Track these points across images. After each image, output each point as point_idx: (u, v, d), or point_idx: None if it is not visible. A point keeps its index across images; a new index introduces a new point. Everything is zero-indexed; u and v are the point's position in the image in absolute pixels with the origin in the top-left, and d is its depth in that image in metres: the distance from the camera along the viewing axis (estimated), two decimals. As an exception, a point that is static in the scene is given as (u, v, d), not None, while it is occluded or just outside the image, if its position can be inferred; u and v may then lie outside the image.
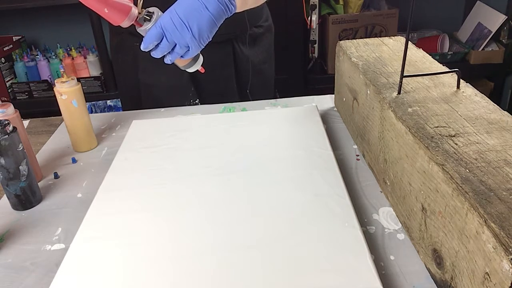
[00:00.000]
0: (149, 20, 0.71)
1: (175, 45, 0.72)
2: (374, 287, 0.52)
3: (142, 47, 0.73)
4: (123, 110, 1.16)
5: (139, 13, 0.71)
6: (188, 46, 0.72)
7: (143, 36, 0.72)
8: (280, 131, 0.88)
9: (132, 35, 1.04)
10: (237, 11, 0.76)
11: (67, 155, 0.90)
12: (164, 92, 1.08)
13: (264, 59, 1.14)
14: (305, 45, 2.14)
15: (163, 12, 0.71)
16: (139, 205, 0.70)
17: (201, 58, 0.79)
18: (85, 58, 2.15)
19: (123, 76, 1.19)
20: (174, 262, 0.58)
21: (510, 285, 0.39)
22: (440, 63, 0.78)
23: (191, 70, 0.80)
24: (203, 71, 0.79)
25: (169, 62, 0.75)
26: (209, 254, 0.59)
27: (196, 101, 1.08)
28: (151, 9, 0.71)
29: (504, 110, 0.62)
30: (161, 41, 0.71)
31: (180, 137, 0.88)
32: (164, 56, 0.74)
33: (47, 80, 2.14)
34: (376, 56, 0.84)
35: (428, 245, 0.56)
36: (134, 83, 1.11)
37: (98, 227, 0.66)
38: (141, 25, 0.71)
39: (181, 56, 0.74)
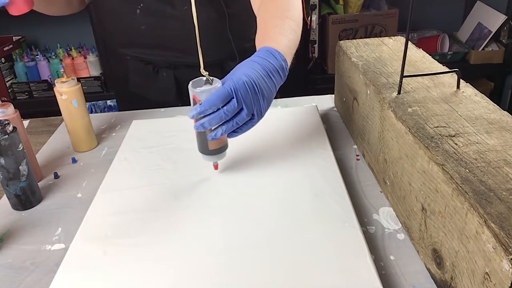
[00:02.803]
0: (210, 83, 0.66)
1: (239, 112, 0.65)
2: (374, 287, 0.52)
3: (195, 112, 0.63)
4: (119, 110, 1.16)
5: (203, 74, 0.66)
6: (253, 115, 0.66)
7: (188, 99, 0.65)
8: (280, 131, 0.88)
9: (123, 47, 1.04)
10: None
11: (67, 155, 0.90)
12: (153, 106, 1.07)
13: None
14: (305, 45, 2.14)
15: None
16: (139, 205, 0.70)
17: (225, 153, 0.73)
18: (85, 58, 2.15)
19: (116, 82, 1.19)
20: (174, 262, 0.58)
21: (510, 285, 0.39)
22: (440, 63, 0.78)
23: (214, 158, 0.72)
24: (216, 168, 0.74)
25: (219, 135, 0.66)
26: (208, 254, 0.59)
27: None
28: (211, 78, 0.67)
29: (504, 110, 0.62)
30: (223, 106, 0.64)
31: (180, 137, 0.88)
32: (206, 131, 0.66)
33: (47, 80, 2.14)
34: (376, 56, 0.84)
35: (428, 245, 0.56)
36: (125, 90, 1.11)
37: (98, 227, 0.66)
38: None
39: (234, 132, 0.67)
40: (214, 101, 0.63)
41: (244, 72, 0.66)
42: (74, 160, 0.87)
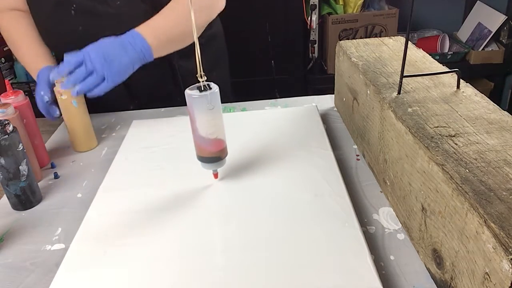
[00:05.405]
0: (207, 89, 0.65)
1: (89, 75, 0.79)
2: (374, 287, 0.52)
3: (56, 72, 0.79)
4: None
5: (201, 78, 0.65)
6: (104, 79, 0.79)
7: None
8: (280, 131, 0.88)
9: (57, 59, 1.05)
10: (156, 57, 0.86)
11: (67, 155, 0.90)
12: (107, 110, 1.08)
13: (210, 67, 1.02)
14: (305, 45, 2.14)
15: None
16: (139, 205, 0.70)
17: (225, 161, 0.72)
18: (85, 58, 2.15)
19: None
20: (174, 262, 0.58)
21: (510, 285, 0.39)
22: (440, 63, 0.78)
23: (213, 166, 0.72)
24: (216, 177, 0.74)
25: (75, 94, 0.81)
26: (208, 254, 0.59)
27: None
28: (212, 84, 0.66)
29: (504, 110, 0.62)
30: (77, 68, 0.79)
31: (180, 137, 0.88)
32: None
33: (47, 80, 2.14)
34: (376, 56, 0.84)
35: (428, 245, 0.56)
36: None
37: (98, 227, 0.66)
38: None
39: (90, 92, 0.79)
40: (68, 62, 0.78)
41: (99, 44, 0.80)
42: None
